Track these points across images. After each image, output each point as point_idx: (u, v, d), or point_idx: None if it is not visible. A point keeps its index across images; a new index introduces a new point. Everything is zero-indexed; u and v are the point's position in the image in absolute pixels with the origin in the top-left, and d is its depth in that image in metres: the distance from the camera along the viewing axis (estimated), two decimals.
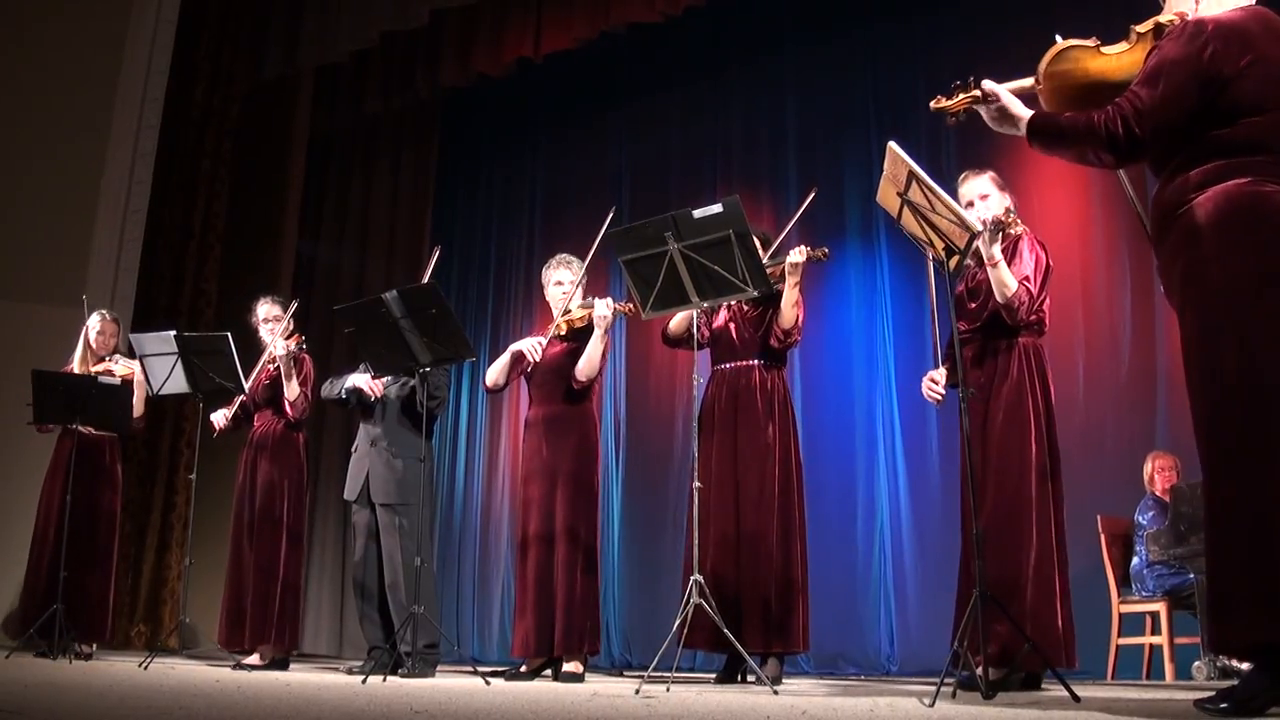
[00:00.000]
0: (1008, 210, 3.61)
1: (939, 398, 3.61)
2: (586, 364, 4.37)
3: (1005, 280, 3.45)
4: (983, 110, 2.63)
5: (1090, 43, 2.54)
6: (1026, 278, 3.51)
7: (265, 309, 5.27)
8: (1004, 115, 2.58)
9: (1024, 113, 2.54)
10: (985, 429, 3.49)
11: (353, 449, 4.90)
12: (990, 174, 3.70)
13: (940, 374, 3.60)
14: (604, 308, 4.34)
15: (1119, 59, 2.50)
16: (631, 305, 4.33)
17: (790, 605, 4.02)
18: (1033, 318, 3.54)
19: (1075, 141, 2.44)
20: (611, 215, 4.28)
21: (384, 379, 4.76)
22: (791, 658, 4.46)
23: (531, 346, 4.46)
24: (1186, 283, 2.30)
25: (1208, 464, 2.25)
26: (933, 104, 2.73)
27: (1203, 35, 2.32)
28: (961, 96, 2.66)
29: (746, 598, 3.99)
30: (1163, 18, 2.49)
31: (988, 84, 2.62)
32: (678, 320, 4.33)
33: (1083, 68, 2.52)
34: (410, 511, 4.57)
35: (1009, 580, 3.29)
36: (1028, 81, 2.59)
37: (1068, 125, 2.45)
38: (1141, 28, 2.49)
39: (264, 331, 5.24)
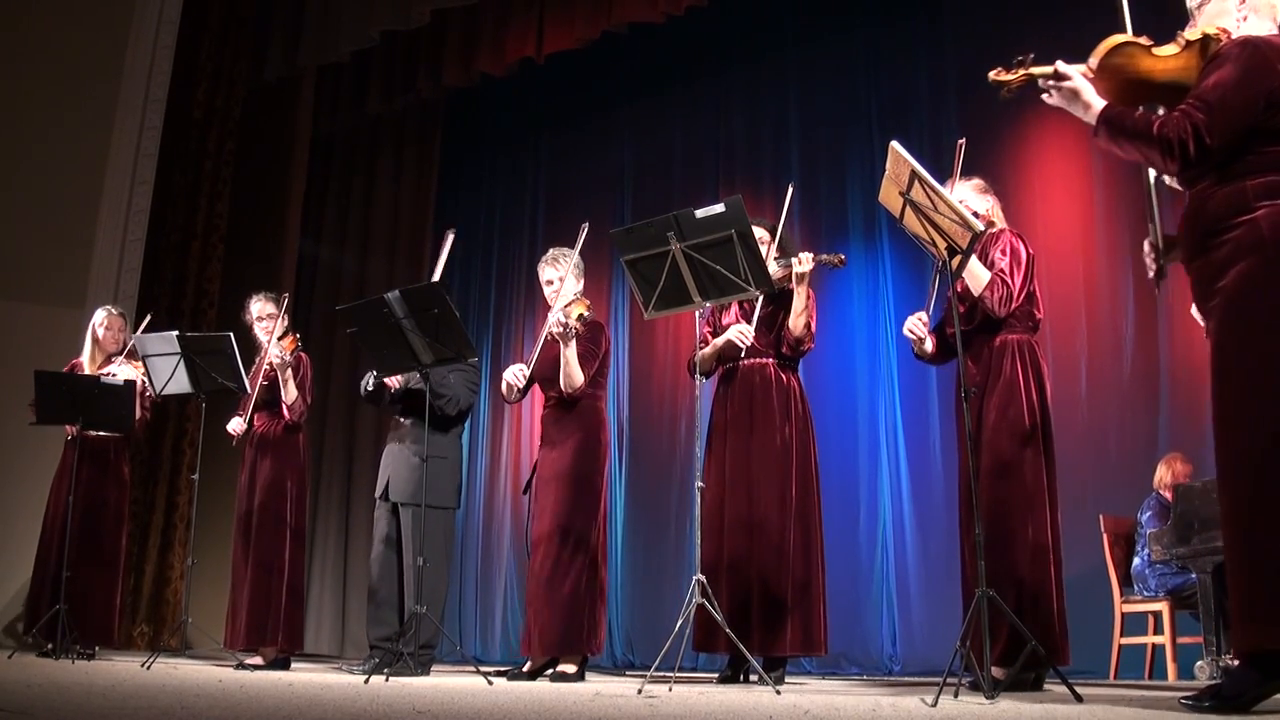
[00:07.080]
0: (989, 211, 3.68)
1: (918, 334, 3.66)
2: (563, 378, 4.32)
3: (978, 275, 3.52)
4: (1053, 90, 2.62)
5: (1144, 41, 2.59)
6: (1001, 270, 3.55)
7: (258, 307, 5.24)
8: (1074, 98, 2.59)
9: (1098, 102, 2.56)
10: (979, 428, 3.50)
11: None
12: (975, 180, 3.72)
13: (925, 317, 3.66)
14: (553, 319, 4.30)
15: (1166, 62, 2.55)
16: (579, 308, 4.32)
17: (811, 608, 3.99)
18: (1013, 308, 3.56)
19: (1144, 143, 2.46)
20: (584, 232, 4.29)
21: (368, 381, 4.77)
22: (794, 658, 4.46)
23: (514, 375, 4.41)
24: (1249, 290, 2.33)
25: (1247, 462, 2.27)
26: (991, 74, 2.73)
27: (1263, 55, 2.39)
28: (1022, 73, 2.67)
29: (767, 600, 3.95)
30: (1209, 29, 2.53)
31: (1063, 66, 2.62)
32: (704, 356, 4.22)
33: (1134, 64, 2.56)
34: (424, 510, 4.52)
35: (1002, 578, 3.30)
36: (1080, 67, 2.61)
37: (1141, 125, 2.47)
38: (1190, 35, 2.54)
39: (258, 330, 5.21)
